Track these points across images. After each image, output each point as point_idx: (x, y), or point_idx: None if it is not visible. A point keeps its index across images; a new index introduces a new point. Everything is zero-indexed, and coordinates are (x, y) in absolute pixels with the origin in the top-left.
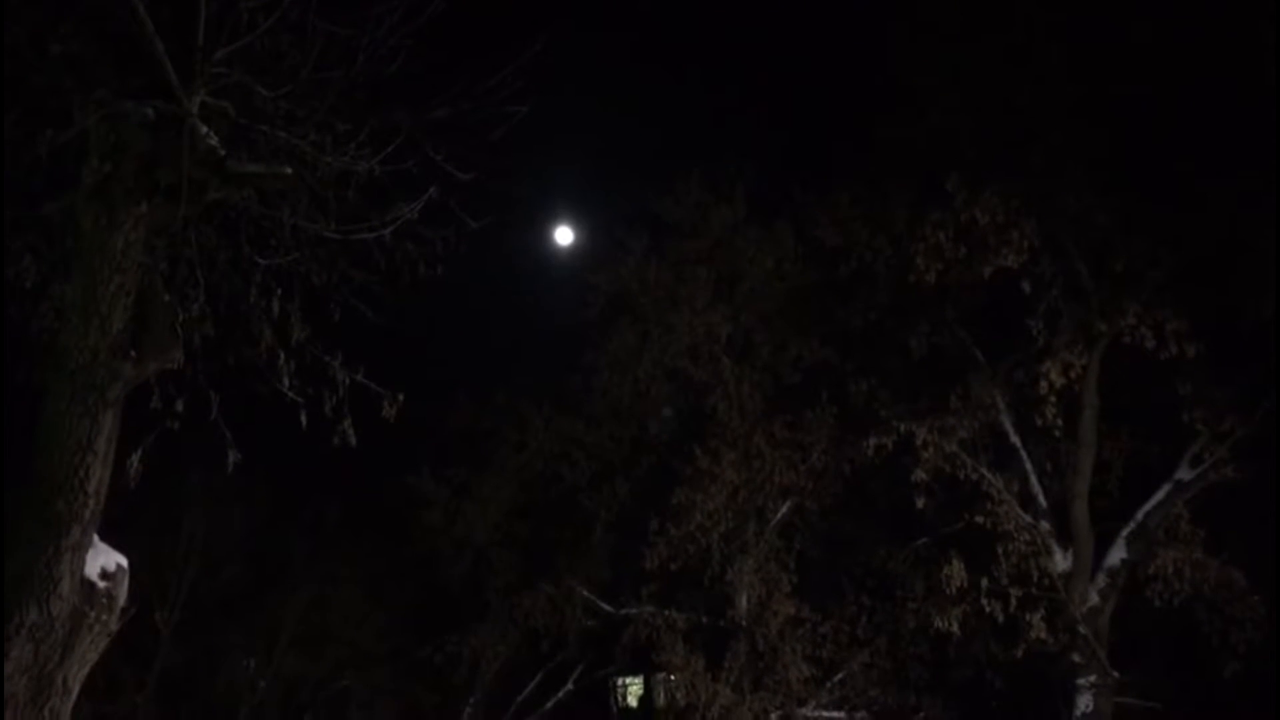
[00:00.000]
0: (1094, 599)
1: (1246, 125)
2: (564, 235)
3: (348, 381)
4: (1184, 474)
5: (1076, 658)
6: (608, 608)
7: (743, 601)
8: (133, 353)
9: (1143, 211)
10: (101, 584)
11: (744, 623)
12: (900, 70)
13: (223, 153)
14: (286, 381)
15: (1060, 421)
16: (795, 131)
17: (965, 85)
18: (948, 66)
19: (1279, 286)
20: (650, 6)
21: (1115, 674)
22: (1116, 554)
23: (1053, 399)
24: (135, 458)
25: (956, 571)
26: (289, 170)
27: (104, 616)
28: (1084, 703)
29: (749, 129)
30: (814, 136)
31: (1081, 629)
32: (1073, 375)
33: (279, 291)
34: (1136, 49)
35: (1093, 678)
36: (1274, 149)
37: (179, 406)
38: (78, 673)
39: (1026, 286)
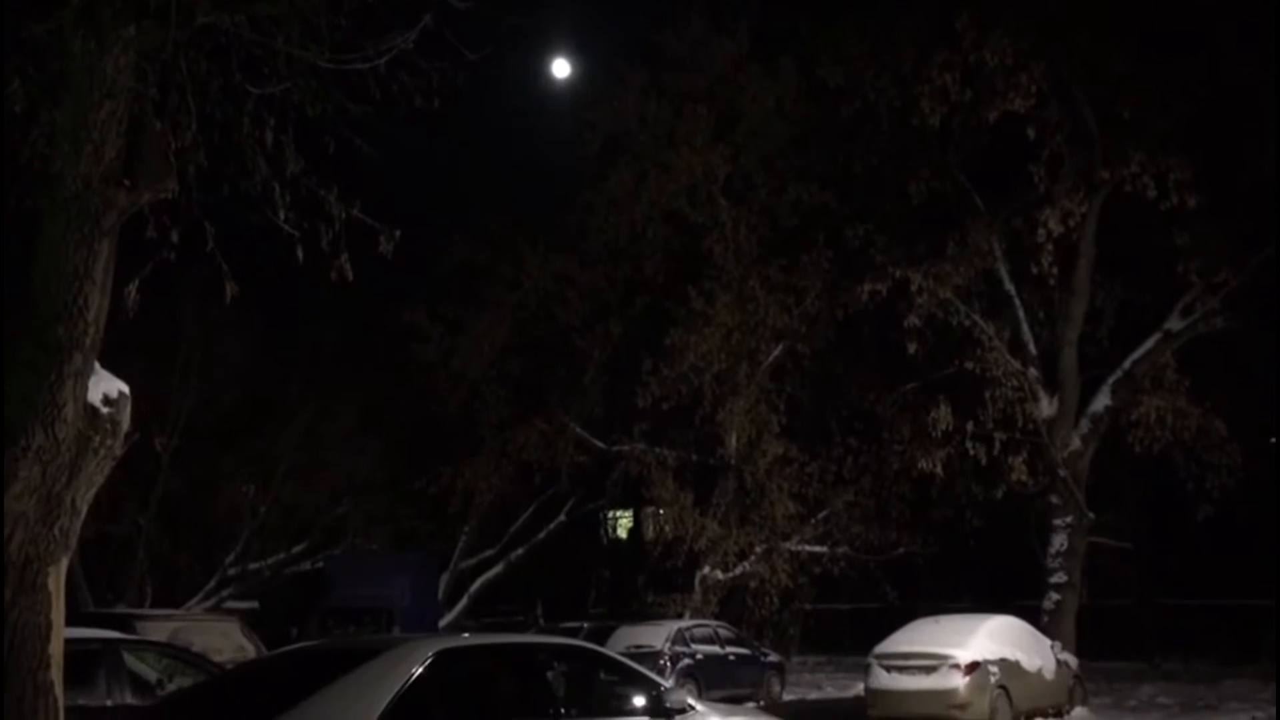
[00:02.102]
0: (1076, 443)
1: None
2: (561, 68)
3: (344, 215)
4: (1174, 324)
5: (1054, 499)
6: (600, 444)
7: (732, 441)
8: (126, 181)
9: (1154, 54)
10: (104, 409)
11: (733, 461)
12: None
13: None
14: (282, 214)
15: (1055, 270)
16: None
17: None
18: None
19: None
20: None
21: (1091, 515)
22: (1101, 400)
23: (1050, 247)
24: (132, 287)
25: (943, 415)
26: None
27: (108, 441)
28: (1059, 541)
29: None
30: None
31: (1061, 471)
32: (1071, 224)
33: (272, 122)
34: None
35: (1069, 518)
36: None
37: (174, 237)
38: (85, 494)
39: (1031, 133)
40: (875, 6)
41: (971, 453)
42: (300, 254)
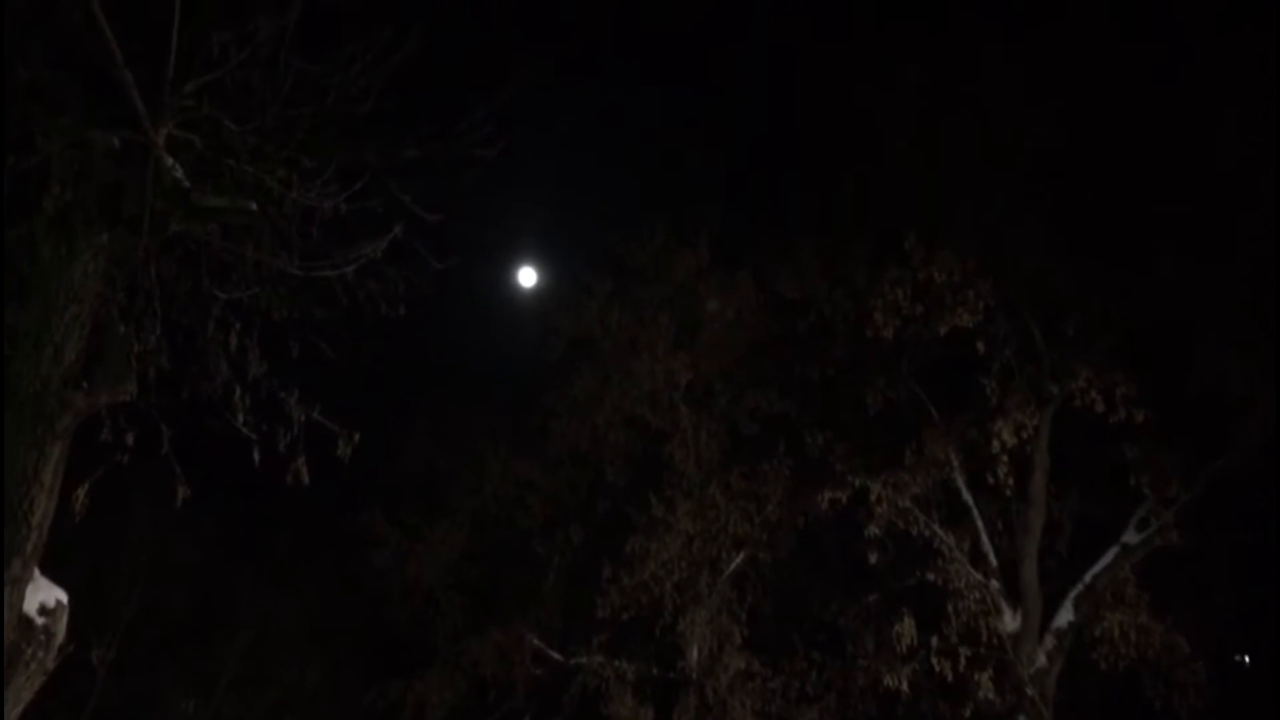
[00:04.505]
0: (1041, 660)
1: (1201, 191)
2: (527, 277)
3: (303, 418)
4: (1130, 538)
5: (1023, 719)
6: (557, 657)
7: (694, 653)
8: (84, 384)
9: (1097, 273)
10: (40, 620)
11: (694, 675)
12: (865, 120)
13: (187, 185)
14: (241, 417)
15: (1011, 480)
16: (761, 179)
17: (928, 138)
18: (912, 119)
19: (1229, 356)
20: (619, 53)
21: None
22: (1064, 616)
23: (1004, 458)
24: (81, 491)
25: (907, 629)
26: (254, 205)
27: (40, 654)
28: None
29: (715, 175)
30: (779, 185)
31: (1029, 690)
32: (1024, 435)
33: (237, 325)
34: (1098, 113)
35: None
36: (1227, 216)
37: (129, 440)
38: (12, 711)
39: (981, 346)
40: (829, 225)
41: (937, 669)
42: (257, 457)
